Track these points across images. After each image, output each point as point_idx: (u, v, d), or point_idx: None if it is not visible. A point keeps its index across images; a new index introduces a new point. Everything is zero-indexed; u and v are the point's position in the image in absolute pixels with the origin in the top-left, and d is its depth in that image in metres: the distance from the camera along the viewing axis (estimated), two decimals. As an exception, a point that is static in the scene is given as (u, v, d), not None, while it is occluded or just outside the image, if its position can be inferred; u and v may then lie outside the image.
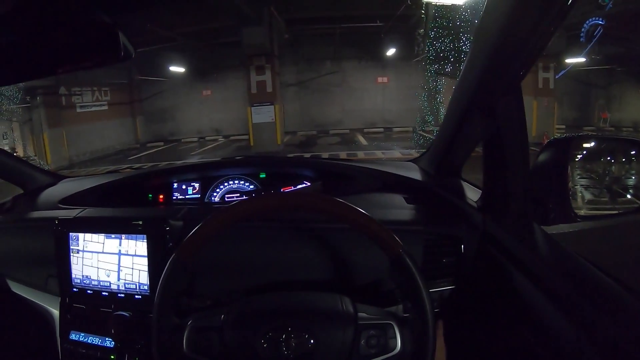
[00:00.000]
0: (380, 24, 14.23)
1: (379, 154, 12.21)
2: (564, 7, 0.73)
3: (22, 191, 1.77)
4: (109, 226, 1.24)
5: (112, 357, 1.21)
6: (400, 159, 9.95)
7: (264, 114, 13.39)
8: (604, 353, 0.66)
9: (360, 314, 0.84)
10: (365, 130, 17.88)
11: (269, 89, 13.45)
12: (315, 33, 15.98)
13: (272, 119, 13.46)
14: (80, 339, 1.26)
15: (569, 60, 13.67)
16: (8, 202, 1.69)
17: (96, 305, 1.24)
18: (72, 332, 1.27)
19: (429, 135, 12.56)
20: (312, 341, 0.80)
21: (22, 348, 1.51)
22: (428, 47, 11.42)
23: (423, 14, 11.24)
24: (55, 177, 1.87)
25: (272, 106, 13.41)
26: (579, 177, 1.05)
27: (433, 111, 12.75)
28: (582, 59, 13.41)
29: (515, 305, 0.89)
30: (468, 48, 1.09)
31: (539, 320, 0.82)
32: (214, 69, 17.71)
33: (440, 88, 12.40)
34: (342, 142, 15.23)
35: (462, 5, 9.55)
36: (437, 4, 10.10)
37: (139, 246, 1.19)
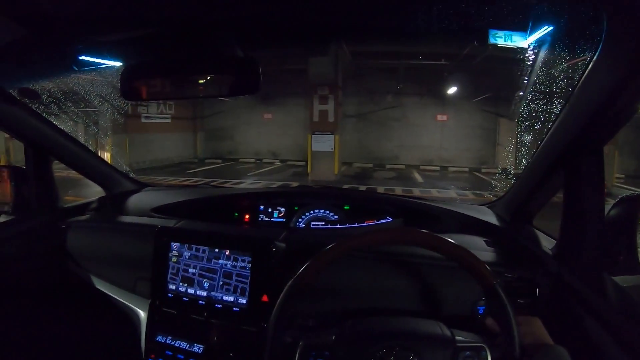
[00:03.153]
0: (445, 62, 14.19)
1: (434, 192, 12.03)
2: None
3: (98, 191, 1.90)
4: (214, 240, 1.31)
5: None
6: (456, 199, 9.74)
7: (323, 143, 13.58)
8: None
9: (457, 337, 0.92)
10: (422, 167, 17.72)
11: (331, 119, 13.63)
12: (380, 67, 16.11)
13: (332, 149, 13.60)
14: (168, 342, 1.31)
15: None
16: (94, 202, 1.79)
17: (189, 312, 1.29)
18: (159, 334, 1.32)
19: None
20: None
21: (104, 344, 1.59)
22: (523, 107, 11.74)
23: (525, 79, 11.56)
24: (139, 185, 2.00)
25: (333, 136, 13.58)
26: None
27: (515, 162, 13.00)
28: None
29: (586, 347, 0.97)
30: (557, 110, 1.15)
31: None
32: (276, 94, 18.11)
33: (527, 142, 12.69)
34: (397, 177, 15.12)
35: (560, 74, 9.70)
36: (504, 47, 10.13)
37: (242, 262, 1.25)
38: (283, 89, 17.72)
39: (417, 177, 15.31)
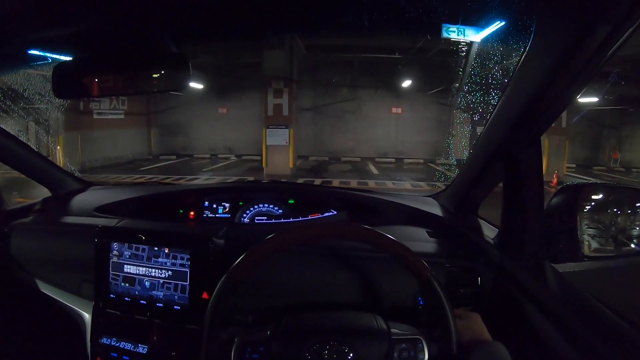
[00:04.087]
0: (399, 56, 14.40)
1: (389, 184, 12.23)
2: (593, 71, 0.84)
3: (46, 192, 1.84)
4: (153, 239, 1.29)
5: None
6: (411, 190, 9.98)
7: (278, 137, 13.55)
8: None
9: (393, 330, 0.93)
10: (377, 159, 17.96)
11: (285, 113, 13.64)
12: (335, 60, 16.17)
13: (286, 142, 13.61)
14: (112, 344, 1.29)
15: (582, 100, 13.78)
16: (38, 203, 1.74)
17: (132, 312, 1.28)
18: (103, 336, 1.31)
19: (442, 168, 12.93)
20: (351, 354, 0.88)
21: (50, 348, 1.55)
22: (460, 98, 12.02)
23: (460, 70, 11.82)
24: (84, 184, 1.94)
25: (287, 130, 13.58)
26: (586, 226, 1.10)
27: (457, 152, 13.40)
28: (594, 99, 13.58)
29: (527, 334, 0.99)
30: (495, 101, 1.19)
31: (547, 347, 0.92)
32: (231, 88, 17.93)
33: (466, 133, 13.06)
34: (353, 170, 15.27)
35: (495, 65, 9.99)
36: (457, 41, 10.37)
37: (181, 260, 1.25)
38: (238, 83, 17.54)
39: (373, 169, 15.51)
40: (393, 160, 18.00)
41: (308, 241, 1.12)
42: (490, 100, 10.71)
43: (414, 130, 18.39)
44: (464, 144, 13.19)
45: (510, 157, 1.13)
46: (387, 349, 0.90)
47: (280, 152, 13.65)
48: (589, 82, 0.89)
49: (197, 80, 16.56)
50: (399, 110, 18.47)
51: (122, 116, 16.87)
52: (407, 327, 0.95)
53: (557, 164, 13.27)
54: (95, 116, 15.46)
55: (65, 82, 1.11)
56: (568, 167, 14.33)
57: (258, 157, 15.31)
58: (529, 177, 1.09)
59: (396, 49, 14.12)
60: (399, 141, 18.66)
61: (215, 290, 0.93)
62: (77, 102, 14.10)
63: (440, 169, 13.81)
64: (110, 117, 16.21)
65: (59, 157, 13.30)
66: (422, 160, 17.59)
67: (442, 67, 13.96)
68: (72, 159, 13.55)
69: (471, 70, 11.07)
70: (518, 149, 1.10)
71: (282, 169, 13.50)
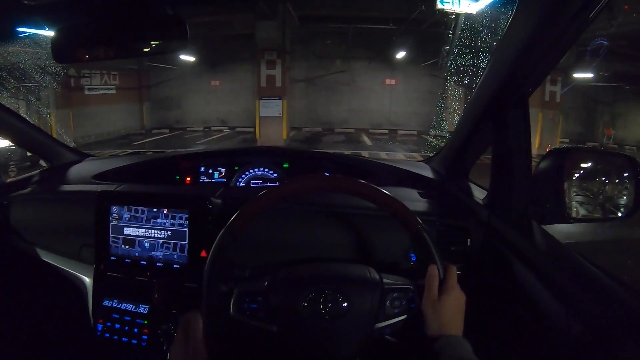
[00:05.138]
0: (393, 26, 14.26)
1: (382, 154, 12.26)
2: (576, 34, 0.88)
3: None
4: (152, 200, 1.31)
5: (145, 322, 1.29)
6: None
7: (271, 108, 13.50)
8: (587, 324, 0.80)
9: (385, 280, 0.96)
10: (371, 130, 17.96)
11: (278, 84, 13.56)
12: (328, 31, 16.01)
13: (280, 114, 13.57)
14: (114, 305, 1.32)
15: (577, 75, 13.78)
16: (36, 175, 1.76)
17: (132, 273, 1.30)
18: (105, 299, 1.34)
19: (435, 140, 12.89)
20: (346, 303, 0.91)
21: (53, 314, 1.58)
22: (451, 61, 11.94)
23: (450, 33, 11.72)
24: (80, 155, 1.95)
25: (281, 101, 13.52)
26: (575, 194, 1.13)
27: (448, 117, 13.33)
28: (589, 75, 13.58)
29: (514, 289, 1.01)
30: (485, 65, 1.20)
31: (534, 301, 0.95)
32: (224, 60, 17.79)
33: (457, 97, 13.00)
34: (346, 141, 15.32)
35: (484, 28, 9.93)
36: (453, 12, 10.29)
37: (179, 220, 1.27)
38: (231, 55, 17.38)
39: (366, 140, 15.56)
40: (387, 131, 18.03)
41: (306, 193, 1.11)
42: (480, 63, 10.74)
43: (407, 102, 18.37)
44: (456, 107, 13.20)
45: (498, 118, 1.15)
46: (379, 298, 0.92)
47: (273, 123, 13.62)
48: (571, 46, 0.93)
49: (190, 53, 16.39)
50: (393, 81, 18.42)
51: (113, 91, 16.71)
52: (399, 278, 0.98)
53: (550, 138, 13.33)
54: (86, 92, 15.28)
55: (64, 47, 1.10)
56: (561, 142, 14.37)
57: (251, 129, 15.26)
58: (517, 138, 1.12)
59: (390, 20, 13.97)
60: (393, 113, 18.65)
61: (217, 239, 0.95)
62: (68, 78, 13.93)
63: (432, 140, 13.83)
64: (101, 92, 16.02)
65: (52, 134, 13.19)
66: (415, 132, 17.60)
67: (436, 39, 13.86)
68: (65, 136, 13.48)
69: (460, 34, 11.04)
70: (506, 110, 1.11)
71: (276, 140, 13.45)
